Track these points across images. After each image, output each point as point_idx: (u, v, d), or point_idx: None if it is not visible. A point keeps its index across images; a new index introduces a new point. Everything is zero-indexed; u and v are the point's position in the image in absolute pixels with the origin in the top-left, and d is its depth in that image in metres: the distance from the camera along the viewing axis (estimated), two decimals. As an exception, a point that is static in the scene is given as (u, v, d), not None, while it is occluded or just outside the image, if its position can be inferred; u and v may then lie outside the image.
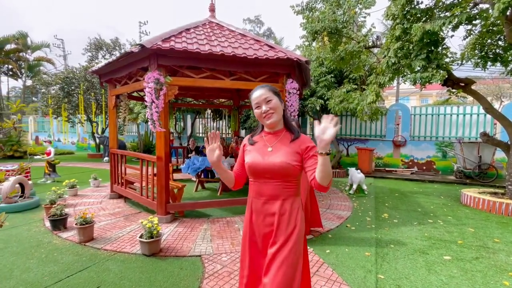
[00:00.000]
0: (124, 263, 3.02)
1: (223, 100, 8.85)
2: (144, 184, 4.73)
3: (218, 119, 12.33)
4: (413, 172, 9.07)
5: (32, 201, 5.01)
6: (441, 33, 4.79)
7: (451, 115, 9.13)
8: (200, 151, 7.69)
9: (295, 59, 4.43)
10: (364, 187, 6.26)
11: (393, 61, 5.37)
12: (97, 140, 12.64)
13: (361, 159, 9.08)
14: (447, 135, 9.17)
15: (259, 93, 1.48)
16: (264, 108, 1.47)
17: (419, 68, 4.99)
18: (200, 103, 9.00)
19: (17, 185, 5.07)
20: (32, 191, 5.62)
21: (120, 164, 5.47)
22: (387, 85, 6.07)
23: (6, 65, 13.25)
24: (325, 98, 8.17)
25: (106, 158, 11.73)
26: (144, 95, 4.12)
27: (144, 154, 4.84)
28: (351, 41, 6.96)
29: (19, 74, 13.59)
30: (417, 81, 5.00)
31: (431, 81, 4.82)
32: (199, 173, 6.37)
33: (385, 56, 5.75)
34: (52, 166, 7.54)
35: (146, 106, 11.27)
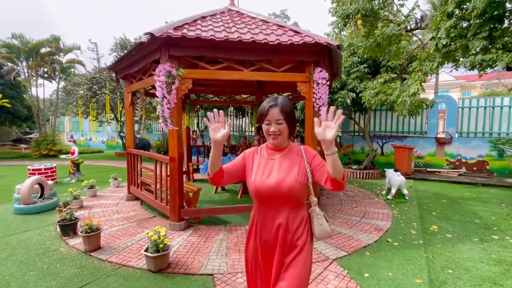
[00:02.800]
0: (127, 280, 2.65)
1: (245, 96, 8.37)
2: (158, 186, 4.40)
3: (240, 116, 11.91)
4: (461, 174, 7.94)
5: (50, 202, 4.91)
6: (509, 4, 3.87)
7: (510, 107, 7.82)
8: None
9: (324, 44, 3.80)
10: (405, 191, 5.44)
11: (444, 43, 4.52)
12: (123, 139, 12.81)
13: (398, 159, 8.13)
14: (504, 130, 7.88)
15: (273, 112, 1.40)
16: (272, 128, 1.42)
17: (478, 50, 4.10)
18: (222, 99, 8.60)
19: (37, 186, 5.00)
20: (53, 192, 5.57)
21: (136, 164, 5.21)
22: (434, 73, 5.19)
23: (42, 68, 13.89)
24: (357, 90, 7.36)
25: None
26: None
27: (158, 155, 4.51)
28: (389, 24, 6.12)
29: (53, 76, 14.19)
30: (476, 66, 4.11)
31: (494, 65, 3.93)
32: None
33: (432, 38, 4.89)
34: (76, 165, 7.59)
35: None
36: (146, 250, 2.78)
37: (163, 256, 2.77)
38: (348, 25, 6.72)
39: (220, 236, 3.64)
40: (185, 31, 3.61)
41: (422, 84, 5.10)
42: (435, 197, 5.73)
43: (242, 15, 4.87)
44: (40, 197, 5.03)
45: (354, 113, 9.24)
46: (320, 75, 3.92)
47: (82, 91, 11.43)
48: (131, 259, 3.04)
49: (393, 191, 5.43)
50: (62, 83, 13.99)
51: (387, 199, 5.50)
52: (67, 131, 22.14)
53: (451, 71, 5.74)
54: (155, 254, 2.72)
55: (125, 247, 3.34)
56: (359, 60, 7.84)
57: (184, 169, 7.49)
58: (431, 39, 5.35)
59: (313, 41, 3.75)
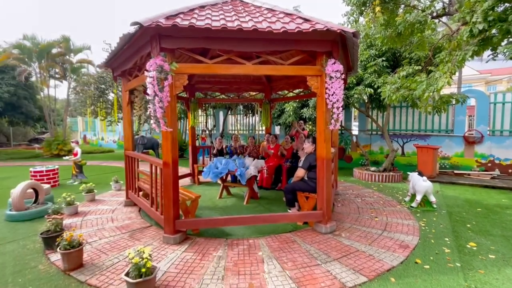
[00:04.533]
0: (103, 311, 2.24)
1: (253, 93, 7.88)
2: (154, 193, 4.00)
3: (250, 114, 11.45)
4: (494, 177, 7.12)
5: (43, 208, 4.63)
6: None
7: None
8: (227, 152, 6.85)
9: (338, 31, 3.25)
10: (433, 199, 4.79)
11: (480, 28, 3.85)
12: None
13: (421, 160, 7.41)
14: (544, 128, 7.00)
15: None
16: None
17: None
18: (229, 97, 8.16)
19: (30, 190, 4.74)
20: (50, 196, 5.32)
21: (133, 168, 4.86)
22: (461, 66, 4.51)
23: (54, 69, 13.95)
24: (375, 86, 6.71)
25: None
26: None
27: (153, 158, 4.11)
28: (413, 10, 5.44)
29: (65, 76, 14.24)
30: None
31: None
32: (224, 177, 5.52)
33: (465, 23, 4.22)
34: (79, 167, 7.38)
35: (176, 102, 10.78)
36: (127, 274, 2.36)
37: (146, 282, 2.34)
38: (365, 12, 6.09)
39: (219, 253, 3.18)
40: (178, 20, 3.17)
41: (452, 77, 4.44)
42: (468, 205, 5.04)
43: (247, 4, 4.37)
44: (34, 202, 4.76)
45: (372, 110, 8.57)
46: (334, 67, 3.37)
47: (90, 91, 11.32)
48: (113, 281, 2.63)
49: (418, 198, 4.79)
50: (73, 84, 13.98)
51: (411, 207, 4.87)
52: (80, 131, 22.45)
53: (487, 62, 5.00)
54: (137, 280, 2.29)
55: (110, 265, 2.94)
56: (377, 53, 7.18)
57: (189, 171, 7.20)
58: (463, 25, 4.67)
59: (325, 28, 3.21)
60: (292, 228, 3.93)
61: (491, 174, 7.23)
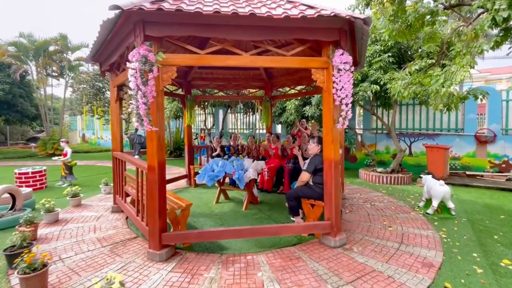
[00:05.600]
0: None
1: (253, 90, 7.43)
2: (140, 199, 3.56)
3: (250, 113, 10.99)
4: (509, 178, 6.66)
5: (20, 216, 4.17)
6: None
7: None
8: (226, 152, 6.40)
9: (346, 17, 2.81)
10: (451, 205, 4.34)
11: (505, 16, 3.42)
12: (127, 139, 12.24)
13: (431, 160, 6.94)
14: None
15: None
16: None
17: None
18: (227, 95, 7.69)
19: (7, 195, 4.30)
20: (30, 201, 4.89)
21: (121, 170, 4.42)
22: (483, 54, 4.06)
23: (51, 67, 13.56)
24: (381, 82, 6.25)
25: (136, 157, 11.25)
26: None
27: (138, 161, 3.66)
28: (423, 1, 4.97)
29: (62, 74, 13.84)
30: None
31: None
32: (221, 180, 5.07)
33: (486, 12, 3.79)
34: (68, 168, 6.94)
35: (173, 100, 10.30)
36: (96, 307, 1.92)
37: (118, 318, 1.90)
38: (372, 3, 5.63)
39: (211, 273, 2.74)
40: (165, 4, 2.71)
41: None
42: (489, 211, 4.59)
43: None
44: (11, 209, 4.33)
45: (377, 108, 8.11)
46: (342, 58, 2.92)
47: (85, 88, 10.91)
48: (83, 312, 2.20)
49: (435, 204, 4.34)
50: (72, 82, 13.62)
51: (427, 213, 4.42)
52: (79, 129, 22.04)
53: (508, 54, 4.54)
54: (106, 316, 1.85)
55: (82, 290, 2.50)
56: (382, 48, 6.72)
57: (185, 173, 6.77)
58: (483, 13, 4.21)
59: (332, 14, 2.76)
60: (296, 240, 3.48)
61: (506, 176, 6.77)
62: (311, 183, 3.55)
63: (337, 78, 2.91)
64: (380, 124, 8.62)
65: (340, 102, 2.96)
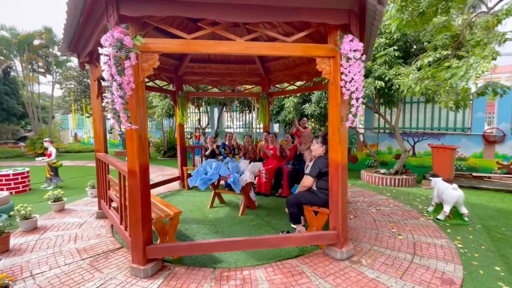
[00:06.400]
0: None
1: (249, 87, 7.05)
2: (123, 205, 3.17)
3: (247, 111, 10.61)
4: (518, 180, 6.37)
5: (-8, 224, 3.78)
6: None
7: None
8: (220, 152, 6.02)
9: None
10: (464, 210, 4.01)
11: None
12: (119, 137, 11.78)
13: (437, 161, 6.62)
14: None
15: None
16: None
17: None
18: (221, 91, 7.30)
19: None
20: (8, 206, 4.48)
21: (104, 173, 4.02)
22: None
23: (36, 62, 13.01)
24: (386, 78, 5.92)
25: (128, 157, 10.84)
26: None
27: (120, 163, 3.27)
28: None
29: (48, 70, 13.29)
30: None
31: None
32: (215, 183, 4.69)
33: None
34: (54, 169, 6.51)
35: (165, 97, 9.84)
36: None
37: None
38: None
39: (201, 293, 2.37)
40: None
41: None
42: (503, 217, 4.27)
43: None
44: (-18, 216, 3.92)
45: (379, 106, 7.77)
46: (351, 45, 2.55)
47: (72, 85, 10.42)
48: None
49: (447, 209, 4.00)
50: (59, 78, 13.05)
51: (438, 219, 4.09)
52: (71, 128, 21.48)
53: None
54: None
55: (49, 316, 2.12)
56: (387, 41, 6.37)
57: (178, 175, 6.38)
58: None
59: (341, -7, 2.40)
60: (298, 251, 3.13)
61: (515, 177, 6.48)
62: (315, 188, 3.19)
63: (346, 68, 2.55)
64: (382, 123, 8.29)
65: (349, 96, 2.60)
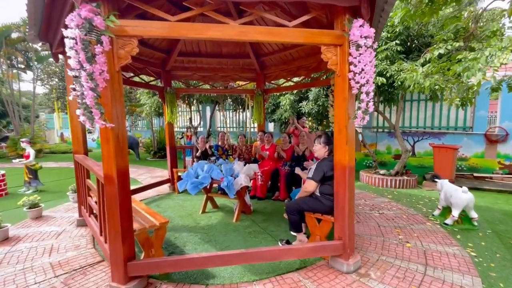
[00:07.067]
0: None
1: (243, 83, 6.70)
2: (102, 214, 2.80)
3: (240, 110, 10.26)
4: (521, 180, 6.20)
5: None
6: None
7: None
8: (213, 153, 5.66)
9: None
10: (474, 215, 3.76)
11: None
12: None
13: (438, 161, 6.41)
14: None
15: None
16: None
17: None
18: (213, 87, 6.94)
19: None
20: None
21: (84, 177, 3.64)
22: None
23: (15, 57, 12.32)
24: (387, 74, 5.65)
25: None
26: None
27: (97, 167, 2.89)
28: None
29: (29, 66, 12.63)
30: None
31: None
32: (207, 187, 4.34)
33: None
34: (33, 172, 6.05)
35: (154, 94, 9.36)
36: None
37: None
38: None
39: (190, 320, 2.03)
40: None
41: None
42: (511, 220, 4.05)
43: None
44: None
45: (378, 104, 7.52)
46: (362, 31, 2.24)
47: (54, 82, 9.87)
48: None
49: (455, 214, 3.74)
50: (40, 75, 12.40)
51: (445, 224, 3.83)
52: (57, 128, 20.71)
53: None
54: None
55: None
56: (389, 35, 6.11)
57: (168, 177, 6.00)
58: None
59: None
60: (300, 263, 2.81)
61: (516, 177, 6.31)
62: (318, 194, 2.87)
63: (355, 57, 2.23)
64: (381, 122, 8.06)
65: (359, 90, 2.29)
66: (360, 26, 2.24)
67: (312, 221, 2.92)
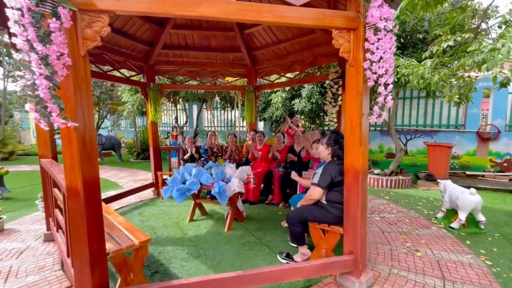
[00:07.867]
0: None
1: (232, 79, 6.29)
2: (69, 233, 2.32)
3: (229, 108, 9.83)
4: (512, 178, 6.18)
5: None
6: None
7: None
8: (201, 155, 5.22)
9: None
10: (481, 218, 3.55)
11: None
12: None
13: (432, 160, 6.30)
14: None
15: None
16: None
17: None
18: (201, 84, 6.48)
19: None
20: None
21: (50, 186, 3.12)
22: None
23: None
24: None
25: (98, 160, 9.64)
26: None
27: (60, 176, 2.41)
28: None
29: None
30: None
31: None
32: (196, 193, 3.90)
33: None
34: (-3, 178, 5.39)
35: (137, 91, 8.69)
36: None
37: None
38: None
39: None
40: None
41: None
42: (517, 222, 3.89)
43: None
44: None
45: (371, 101, 7.34)
46: (382, 12, 1.90)
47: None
48: None
49: (463, 217, 3.53)
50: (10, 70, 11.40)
51: (451, 228, 3.61)
52: (32, 128, 19.42)
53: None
54: None
55: None
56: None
57: (152, 181, 5.50)
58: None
59: None
60: (304, 281, 2.46)
61: (508, 176, 6.29)
62: (324, 202, 2.53)
63: (373, 43, 1.90)
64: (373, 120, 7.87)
65: (376, 81, 1.96)
66: (379, 6, 1.90)
67: (317, 233, 2.58)
